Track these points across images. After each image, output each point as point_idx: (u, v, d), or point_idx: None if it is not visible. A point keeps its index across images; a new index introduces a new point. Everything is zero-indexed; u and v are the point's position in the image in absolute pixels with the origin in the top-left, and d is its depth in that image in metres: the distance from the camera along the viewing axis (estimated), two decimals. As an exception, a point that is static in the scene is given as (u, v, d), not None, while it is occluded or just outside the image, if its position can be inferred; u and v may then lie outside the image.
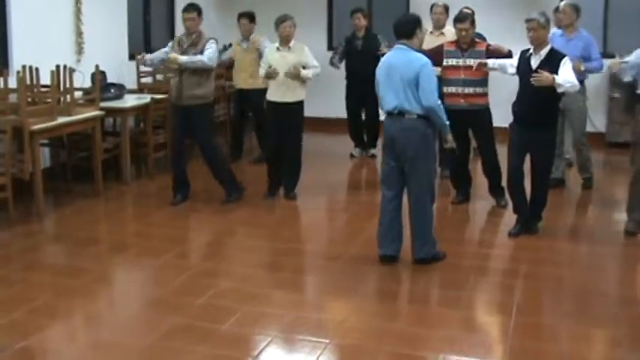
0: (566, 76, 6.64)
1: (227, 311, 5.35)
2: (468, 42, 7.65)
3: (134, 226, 7.75)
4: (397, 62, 6.13)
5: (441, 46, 7.88)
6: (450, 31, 8.92)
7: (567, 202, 8.45)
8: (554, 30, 8.97)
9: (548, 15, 6.95)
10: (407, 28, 6.18)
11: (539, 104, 6.75)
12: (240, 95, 10.08)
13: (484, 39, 8.29)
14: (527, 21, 6.81)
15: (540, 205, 7.09)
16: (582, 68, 8.15)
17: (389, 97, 6.14)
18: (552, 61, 6.74)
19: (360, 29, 10.09)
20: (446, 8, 9.25)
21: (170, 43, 8.07)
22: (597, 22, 11.21)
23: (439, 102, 6.13)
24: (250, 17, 9.97)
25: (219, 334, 5.03)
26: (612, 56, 10.97)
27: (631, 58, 7.24)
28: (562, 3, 8.62)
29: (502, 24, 10.28)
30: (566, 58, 6.77)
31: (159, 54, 8.13)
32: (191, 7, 7.85)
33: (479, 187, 8.22)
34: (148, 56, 8.20)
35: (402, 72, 6.05)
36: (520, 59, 7.00)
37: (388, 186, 6.29)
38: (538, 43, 6.79)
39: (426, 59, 6.13)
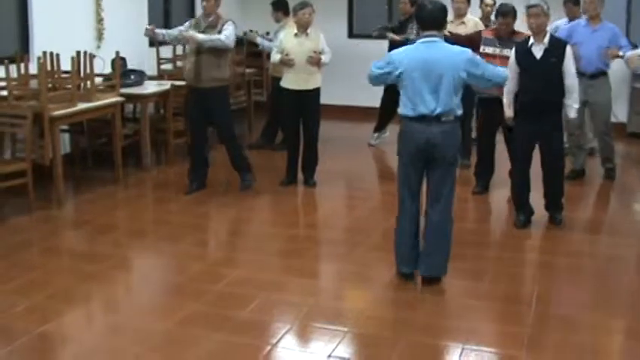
0: (572, 80, 6.76)
1: (245, 298, 5.35)
2: (508, 34, 7.52)
3: (153, 212, 7.77)
4: (434, 58, 5.42)
5: (479, 32, 7.79)
6: (471, 21, 8.85)
7: (588, 193, 8.39)
8: (574, 20, 8.95)
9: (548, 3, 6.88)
10: (439, 18, 5.55)
11: (549, 92, 6.70)
12: (278, 82, 9.96)
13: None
14: (530, 7, 6.72)
15: (559, 194, 7.01)
16: (620, 53, 8.08)
17: (427, 98, 5.41)
18: (556, 49, 6.71)
19: (406, 14, 9.93)
20: (467, -3, 9.17)
21: (187, 23, 7.97)
22: (620, 13, 11.09)
23: (503, 72, 5.74)
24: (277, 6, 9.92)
25: (237, 321, 5.03)
26: (635, 47, 10.88)
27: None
28: None
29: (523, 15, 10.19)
30: (569, 47, 6.79)
31: (173, 31, 7.98)
32: None
33: (500, 177, 8.16)
34: (159, 30, 8.01)
35: (445, 69, 5.39)
36: (518, 51, 6.85)
37: (414, 197, 5.63)
38: (539, 31, 6.70)
39: (466, 49, 5.57)
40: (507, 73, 5.78)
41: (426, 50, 5.46)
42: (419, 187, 5.64)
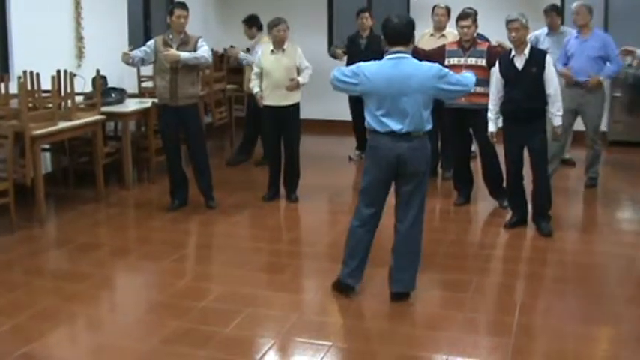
0: (554, 89, 6.90)
1: (229, 314, 5.35)
2: (470, 41, 7.66)
3: (135, 230, 7.75)
4: (402, 75, 5.29)
5: (442, 47, 7.90)
6: (451, 34, 8.90)
7: (570, 201, 8.44)
8: (568, 30, 9.09)
9: (527, 16, 7.05)
10: (407, 32, 5.36)
11: (531, 101, 6.90)
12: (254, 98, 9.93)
13: (487, 40, 8.29)
14: (510, 21, 6.94)
15: (546, 201, 7.13)
16: (601, 78, 8.24)
17: (394, 115, 5.30)
18: (537, 60, 6.91)
19: (366, 29, 9.99)
20: (448, 10, 9.19)
21: (150, 43, 7.86)
22: (597, 22, 11.17)
23: (467, 79, 5.49)
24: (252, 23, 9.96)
25: (221, 337, 5.02)
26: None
27: None
28: (575, 3, 8.62)
29: (503, 25, 10.25)
30: (549, 57, 6.97)
31: (138, 53, 7.83)
32: (185, 6, 7.75)
33: (481, 189, 8.21)
34: (132, 53, 7.84)
35: (413, 86, 5.25)
36: (501, 63, 7.07)
37: (372, 208, 5.50)
38: (519, 44, 6.94)
39: (433, 65, 5.41)
40: (472, 77, 5.59)
41: (394, 67, 5.33)
42: (383, 201, 5.54)
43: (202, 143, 8.03)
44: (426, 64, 5.41)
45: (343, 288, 5.65)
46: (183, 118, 7.81)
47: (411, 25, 5.41)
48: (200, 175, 8.08)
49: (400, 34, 5.35)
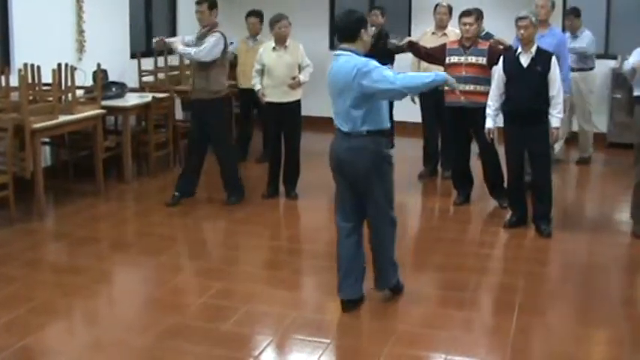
0: (557, 90, 6.86)
1: (227, 311, 5.34)
2: (471, 39, 7.64)
3: (135, 224, 7.74)
4: (334, 72, 5.17)
5: (443, 45, 7.89)
6: (452, 32, 8.88)
7: (569, 202, 8.43)
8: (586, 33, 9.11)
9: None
10: (350, 28, 5.13)
11: (533, 100, 6.87)
12: (246, 94, 9.95)
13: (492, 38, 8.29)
14: (520, 19, 6.90)
15: (547, 203, 7.11)
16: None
17: (333, 113, 5.24)
18: (542, 59, 6.89)
19: (377, 27, 9.96)
20: (449, 9, 9.18)
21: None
22: (600, 22, 11.18)
23: (399, 79, 5.02)
24: (261, 17, 9.91)
25: (219, 333, 5.02)
26: (614, 57, 10.97)
27: (634, 58, 7.18)
28: None
29: (507, 24, 10.24)
30: (554, 59, 6.93)
31: (179, 39, 8.09)
32: (202, 0, 7.82)
33: (480, 188, 8.19)
34: (170, 39, 8.06)
35: (342, 86, 5.10)
36: (506, 60, 7.05)
37: (345, 217, 5.37)
38: (528, 42, 6.92)
39: (363, 59, 5.08)
40: (401, 80, 5.05)
41: (333, 65, 5.21)
42: (352, 209, 5.37)
43: (220, 140, 8.01)
44: (356, 60, 5.08)
45: (346, 306, 5.43)
46: (199, 112, 7.95)
47: (358, 22, 5.16)
48: (221, 169, 8.12)
49: (341, 30, 5.21)
